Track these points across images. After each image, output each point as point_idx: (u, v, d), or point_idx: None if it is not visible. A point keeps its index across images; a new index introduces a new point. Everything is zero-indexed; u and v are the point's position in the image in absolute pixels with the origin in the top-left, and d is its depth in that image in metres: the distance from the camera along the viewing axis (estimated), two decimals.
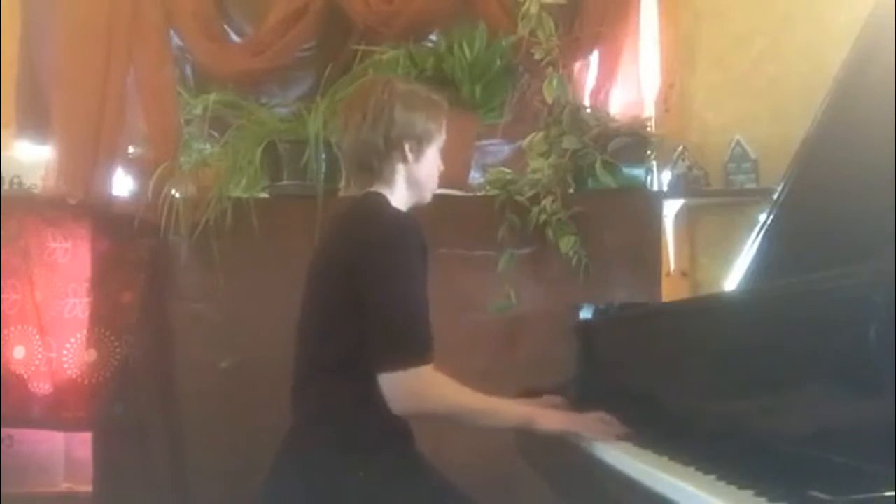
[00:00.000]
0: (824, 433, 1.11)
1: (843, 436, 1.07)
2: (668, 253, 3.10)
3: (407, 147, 1.84)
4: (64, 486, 3.08)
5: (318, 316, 1.80)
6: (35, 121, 3.14)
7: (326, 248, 1.87)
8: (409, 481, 1.71)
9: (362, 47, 3.04)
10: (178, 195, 2.86)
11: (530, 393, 2.01)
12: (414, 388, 1.65)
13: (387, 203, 1.82)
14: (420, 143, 1.86)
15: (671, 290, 3.00)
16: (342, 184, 2.85)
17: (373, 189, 1.85)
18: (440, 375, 1.67)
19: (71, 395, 2.89)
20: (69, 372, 2.90)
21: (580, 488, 1.69)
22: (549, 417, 1.76)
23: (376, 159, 1.84)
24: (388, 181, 1.86)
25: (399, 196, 1.87)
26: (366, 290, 1.68)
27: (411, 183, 1.88)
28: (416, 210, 1.90)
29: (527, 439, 2.00)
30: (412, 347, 1.66)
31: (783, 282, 1.43)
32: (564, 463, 1.76)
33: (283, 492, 1.72)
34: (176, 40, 3.15)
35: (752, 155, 3.03)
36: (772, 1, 3.15)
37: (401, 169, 1.86)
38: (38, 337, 2.90)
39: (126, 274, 2.90)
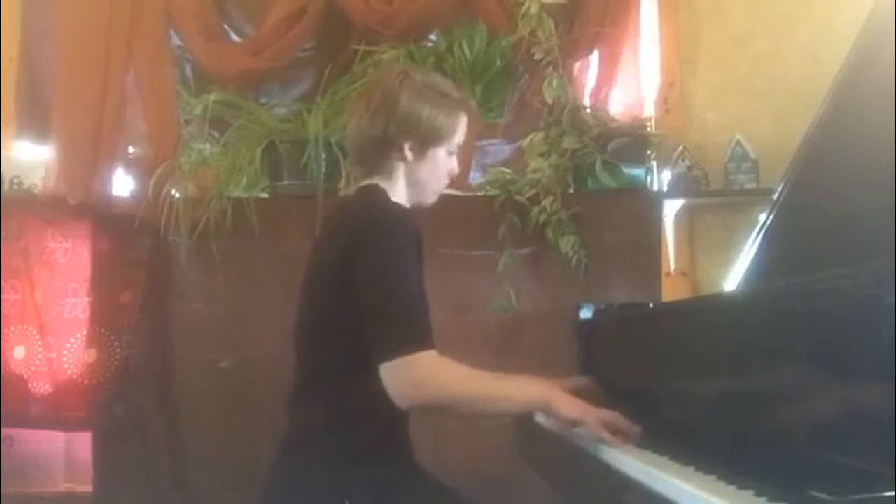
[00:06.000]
0: (824, 433, 1.11)
1: (843, 436, 1.07)
2: (668, 253, 3.10)
3: (407, 146, 1.71)
4: (64, 486, 3.07)
5: (315, 321, 1.70)
6: (35, 121, 3.15)
7: (318, 251, 1.75)
8: (405, 495, 1.64)
9: (362, 47, 3.03)
10: (178, 195, 2.86)
11: None
12: (415, 375, 1.51)
13: (383, 196, 1.71)
14: (423, 142, 1.72)
15: (671, 290, 3.00)
16: (342, 184, 2.84)
17: (371, 182, 1.74)
18: (445, 360, 1.55)
19: (71, 395, 2.89)
20: (69, 372, 2.90)
21: (580, 488, 1.69)
22: (566, 403, 1.61)
23: (373, 153, 1.73)
24: (387, 176, 1.74)
25: (399, 192, 1.75)
26: (358, 286, 1.58)
27: (411, 182, 1.76)
28: (417, 210, 1.85)
29: (528, 439, 2.00)
30: (409, 332, 1.53)
31: (783, 282, 1.43)
32: (565, 463, 1.76)
33: (279, 502, 1.66)
34: (176, 40, 3.15)
35: (752, 155, 3.03)
36: (772, 1, 3.15)
37: (400, 167, 1.74)
38: (38, 337, 2.90)
39: (126, 274, 2.90)
